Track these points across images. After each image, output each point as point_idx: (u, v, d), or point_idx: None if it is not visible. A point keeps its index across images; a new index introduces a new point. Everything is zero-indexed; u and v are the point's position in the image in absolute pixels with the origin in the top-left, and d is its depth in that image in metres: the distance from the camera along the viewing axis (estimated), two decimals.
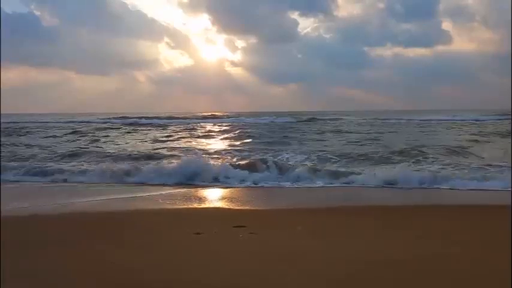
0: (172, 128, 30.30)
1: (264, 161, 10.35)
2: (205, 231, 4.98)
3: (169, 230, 5.20)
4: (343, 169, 10.02)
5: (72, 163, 11.52)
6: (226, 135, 22.58)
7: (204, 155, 12.06)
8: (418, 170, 9.66)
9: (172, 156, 12.64)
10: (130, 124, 34.60)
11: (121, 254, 4.20)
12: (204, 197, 7.84)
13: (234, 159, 11.60)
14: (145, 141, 19.43)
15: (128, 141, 19.80)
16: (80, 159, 12.27)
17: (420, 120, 38.17)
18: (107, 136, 23.00)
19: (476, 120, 36.24)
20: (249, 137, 20.80)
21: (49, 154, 13.60)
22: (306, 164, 10.72)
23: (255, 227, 5.13)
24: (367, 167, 10.47)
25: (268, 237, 4.81)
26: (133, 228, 5.38)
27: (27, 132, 26.47)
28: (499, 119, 36.07)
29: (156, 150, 14.73)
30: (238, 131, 25.36)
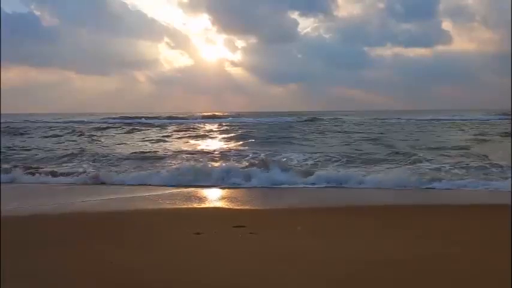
0: (172, 128, 30.25)
1: (266, 162, 10.28)
2: (205, 231, 4.98)
3: (169, 230, 5.21)
4: (349, 169, 10.00)
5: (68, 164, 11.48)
6: (227, 135, 22.55)
7: (205, 157, 12.04)
8: (416, 171, 9.67)
9: (174, 157, 12.58)
10: (130, 124, 34.55)
11: (121, 254, 4.20)
12: (204, 197, 7.84)
13: (237, 160, 11.59)
14: (145, 142, 19.42)
15: (128, 141, 19.79)
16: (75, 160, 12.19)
17: (420, 120, 38.17)
18: (106, 136, 23.03)
19: (477, 120, 36.24)
20: (250, 137, 20.75)
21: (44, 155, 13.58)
22: (308, 164, 10.74)
23: (254, 227, 5.14)
24: (368, 167, 10.47)
25: (268, 237, 4.81)
26: (133, 228, 5.38)
27: (20, 133, 26.12)
28: (500, 119, 36.05)
29: (156, 151, 14.72)
30: (239, 131, 25.33)
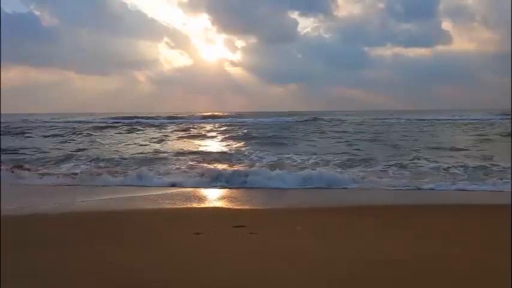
0: (173, 127, 30.28)
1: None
2: (205, 231, 4.98)
3: (169, 230, 5.20)
4: (349, 170, 9.99)
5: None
6: (227, 136, 22.53)
7: (206, 158, 12.02)
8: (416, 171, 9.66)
9: (176, 158, 12.56)
10: (130, 124, 34.55)
11: (121, 254, 4.20)
12: (204, 197, 7.84)
13: (238, 161, 11.58)
14: (145, 142, 19.42)
15: (127, 141, 19.79)
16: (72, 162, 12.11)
17: (420, 120, 38.18)
18: (105, 136, 23.03)
19: (477, 120, 36.23)
20: (252, 137, 20.74)
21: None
22: (308, 165, 10.73)
23: (254, 227, 5.13)
24: (368, 167, 10.47)
25: (268, 237, 4.81)
26: (133, 228, 5.38)
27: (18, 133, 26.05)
28: (500, 119, 36.04)
29: (158, 152, 14.70)
30: (239, 132, 25.33)
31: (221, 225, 5.43)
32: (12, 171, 10.04)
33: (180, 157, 12.64)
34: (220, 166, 10.63)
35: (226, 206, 7.06)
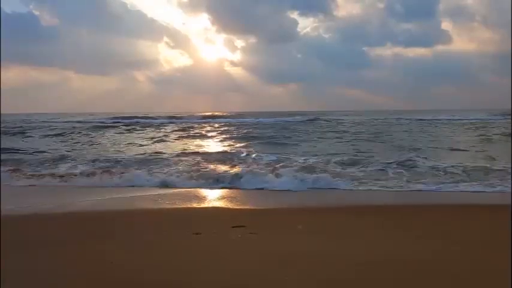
0: (173, 127, 30.26)
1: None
2: (205, 231, 4.98)
3: (169, 230, 5.20)
4: (349, 171, 9.98)
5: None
6: (227, 136, 22.54)
7: (208, 159, 12.00)
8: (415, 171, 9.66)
9: (178, 159, 12.54)
10: (129, 124, 34.51)
11: (121, 254, 4.20)
12: (204, 197, 7.84)
13: (239, 162, 11.56)
14: (145, 142, 19.43)
15: (126, 141, 19.79)
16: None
17: (420, 120, 38.18)
18: (104, 136, 23.03)
19: (478, 120, 36.22)
20: (251, 137, 20.72)
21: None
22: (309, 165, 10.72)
23: (254, 227, 5.13)
24: (369, 167, 10.48)
25: (268, 237, 4.81)
26: (133, 228, 5.38)
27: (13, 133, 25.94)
28: (500, 119, 36.03)
29: (157, 152, 14.70)
30: (240, 132, 25.31)
31: (221, 225, 5.43)
32: (12, 172, 10.04)
33: (180, 157, 12.62)
34: (220, 166, 10.62)
35: (226, 206, 7.05)
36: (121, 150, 15.52)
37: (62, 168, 10.81)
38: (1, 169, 10.18)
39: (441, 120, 37.70)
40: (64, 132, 25.15)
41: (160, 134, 23.62)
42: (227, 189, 8.46)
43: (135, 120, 40.33)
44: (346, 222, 5.67)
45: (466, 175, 9.20)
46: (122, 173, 9.81)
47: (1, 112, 37.57)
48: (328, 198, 7.91)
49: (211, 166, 10.51)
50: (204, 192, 8.26)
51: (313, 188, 8.58)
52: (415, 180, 8.82)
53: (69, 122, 40.92)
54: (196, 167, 10.35)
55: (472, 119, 37.67)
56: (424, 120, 37.76)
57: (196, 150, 15.26)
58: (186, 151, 14.51)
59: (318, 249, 4.30)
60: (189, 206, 7.01)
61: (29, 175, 9.89)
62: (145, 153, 13.95)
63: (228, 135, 22.74)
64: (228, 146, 17.48)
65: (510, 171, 9.00)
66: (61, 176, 9.71)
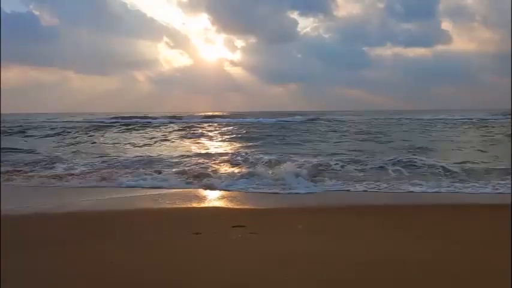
0: (173, 127, 30.24)
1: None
2: (205, 231, 4.98)
3: (169, 230, 5.21)
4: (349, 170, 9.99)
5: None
6: (227, 136, 22.53)
7: (209, 159, 11.99)
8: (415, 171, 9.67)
9: (177, 159, 12.53)
10: (129, 124, 34.48)
11: (121, 254, 4.20)
12: (204, 197, 7.84)
13: (240, 162, 11.55)
14: (145, 142, 19.42)
15: (126, 141, 19.78)
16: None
17: (420, 119, 38.16)
18: (104, 136, 23.03)
19: (476, 120, 36.20)
20: (251, 138, 20.69)
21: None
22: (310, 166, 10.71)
23: (254, 227, 5.14)
24: (369, 168, 10.48)
25: (268, 237, 4.81)
26: (133, 228, 5.38)
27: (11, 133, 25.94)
28: (501, 119, 36.00)
29: (157, 152, 14.70)
30: (240, 132, 25.30)
31: (221, 225, 5.43)
32: (12, 172, 10.03)
33: (180, 157, 12.62)
34: (220, 166, 10.62)
35: (226, 206, 7.05)
36: (121, 150, 15.52)
37: (62, 169, 10.81)
38: (1, 169, 10.19)
39: (441, 120, 37.68)
40: (64, 133, 25.15)
41: (160, 134, 23.61)
42: (227, 190, 8.44)
43: (135, 120, 40.29)
44: (346, 222, 5.67)
45: (466, 175, 9.20)
46: (122, 173, 9.81)
47: (1, 112, 37.58)
48: (328, 198, 7.91)
49: (212, 166, 10.50)
50: (204, 192, 8.26)
51: (314, 188, 8.58)
52: (415, 180, 8.81)
53: (68, 121, 40.92)
54: (196, 167, 10.34)
55: (471, 119, 37.63)
56: (424, 120, 37.73)
57: (197, 150, 15.26)
58: (186, 151, 14.50)
59: (318, 249, 4.30)
60: (189, 206, 7.02)
61: (29, 175, 9.88)
62: (145, 153, 13.93)
63: (227, 135, 22.72)
64: (228, 146, 17.48)
65: (510, 171, 8.99)
66: (61, 176, 9.70)
